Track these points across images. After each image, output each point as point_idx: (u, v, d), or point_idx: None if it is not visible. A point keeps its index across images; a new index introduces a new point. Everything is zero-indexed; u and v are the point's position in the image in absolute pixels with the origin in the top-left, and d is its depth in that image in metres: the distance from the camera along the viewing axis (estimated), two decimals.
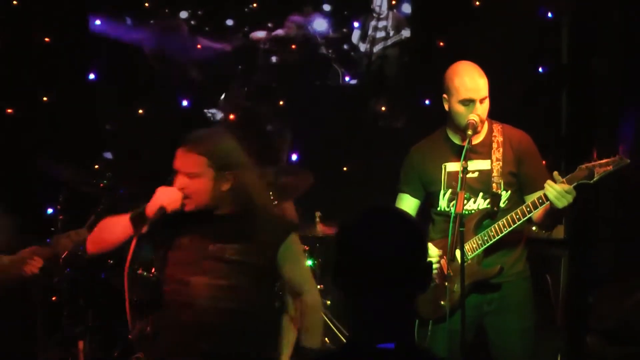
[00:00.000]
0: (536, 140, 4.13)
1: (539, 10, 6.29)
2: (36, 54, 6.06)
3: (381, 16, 6.78)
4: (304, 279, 3.55)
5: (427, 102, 6.62)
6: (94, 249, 3.57)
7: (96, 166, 6.00)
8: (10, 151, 5.84)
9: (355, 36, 6.82)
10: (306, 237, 5.16)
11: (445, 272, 3.88)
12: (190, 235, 3.45)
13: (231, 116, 6.61)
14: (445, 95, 3.98)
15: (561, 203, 3.70)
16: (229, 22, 6.71)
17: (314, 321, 3.56)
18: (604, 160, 3.73)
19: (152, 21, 6.52)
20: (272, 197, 5.05)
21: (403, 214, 2.14)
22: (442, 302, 3.88)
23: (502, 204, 3.96)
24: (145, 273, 4.80)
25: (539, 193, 3.84)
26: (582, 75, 6.12)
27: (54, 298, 4.95)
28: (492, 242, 3.90)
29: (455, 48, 6.24)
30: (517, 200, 4.01)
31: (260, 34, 6.68)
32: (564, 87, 6.30)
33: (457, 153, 3.94)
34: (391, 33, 6.77)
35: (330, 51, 6.81)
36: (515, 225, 3.86)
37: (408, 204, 4.13)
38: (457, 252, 3.71)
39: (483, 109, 3.92)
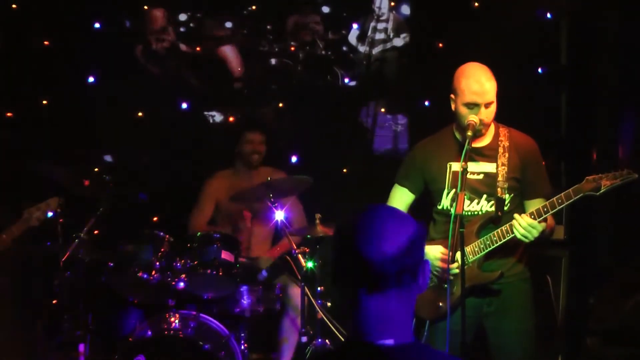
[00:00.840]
0: (536, 140, 4.13)
1: (538, 11, 6.29)
2: (35, 57, 6.07)
3: (382, 17, 6.78)
4: None
5: (426, 103, 6.62)
6: None
7: (96, 169, 6.01)
8: (9, 154, 5.85)
9: (354, 37, 6.81)
10: (306, 238, 5.16)
11: (446, 274, 3.87)
12: None
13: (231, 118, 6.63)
14: (452, 95, 3.97)
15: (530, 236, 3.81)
16: (228, 24, 6.70)
17: None
18: (612, 174, 3.74)
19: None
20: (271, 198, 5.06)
21: (399, 213, 2.14)
22: (441, 304, 3.89)
23: (504, 208, 3.97)
24: (145, 276, 4.79)
25: (540, 200, 3.93)
26: (582, 76, 6.13)
27: (54, 301, 4.94)
28: (494, 247, 3.91)
29: (454, 49, 6.24)
30: (518, 203, 4.02)
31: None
32: (564, 88, 6.30)
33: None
34: (391, 35, 6.77)
35: (329, 52, 6.81)
36: (512, 235, 3.87)
37: (403, 197, 4.14)
38: (458, 254, 3.71)
39: (488, 113, 3.92)
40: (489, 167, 3.99)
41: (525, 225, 3.79)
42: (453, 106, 3.98)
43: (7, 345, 5.24)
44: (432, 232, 4.12)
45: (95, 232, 5.22)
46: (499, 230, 3.89)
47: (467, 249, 3.90)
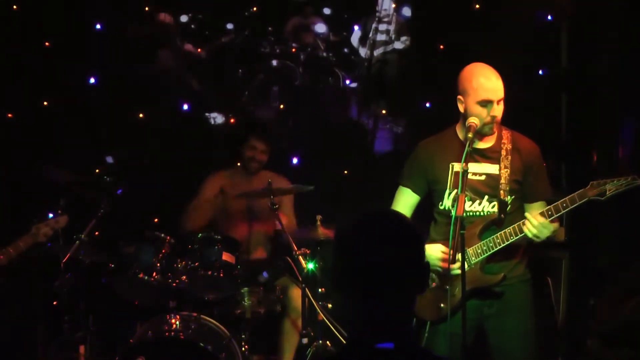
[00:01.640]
0: (536, 142, 4.14)
1: (538, 13, 6.30)
2: (36, 59, 6.07)
3: (385, 19, 6.78)
4: None
5: (427, 105, 6.63)
6: None
7: (97, 170, 6.01)
8: (10, 156, 5.85)
9: (356, 39, 6.82)
10: (307, 240, 5.15)
11: (447, 275, 3.87)
12: None
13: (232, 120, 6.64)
14: (460, 97, 3.96)
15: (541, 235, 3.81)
16: (229, 26, 6.71)
17: None
18: (616, 179, 3.74)
19: None
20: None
21: (400, 217, 2.14)
22: (442, 305, 3.88)
23: (506, 210, 3.97)
24: (146, 278, 4.79)
25: (541, 203, 3.95)
26: (582, 78, 6.13)
27: (54, 303, 4.94)
28: (497, 249, 3.90)
29: (455, 51, 6.25)
30: (519, 205, 4.02)
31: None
32: (564, 90, 6.31)
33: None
34: (393, 37, 6.78)
35: (330, 54, 6.81)
36: (520, 236, 3.87)
37: (408, 198, 4.13)
38: (459, 255, 3.71)
39: (499, 110, 3.93)
40: (492, 168, 3.99)
41: (537, 224, 3.78)
42: (462, 107, 3.96)
43: (7, 346, 5.24)
44: (432, 233, 4.11)
45: (96, 233, 5.22)
46: (502, 232, 3.89)
47: (470, 250, 3.90)
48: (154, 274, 4.79)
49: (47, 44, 6.16)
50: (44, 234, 4.58)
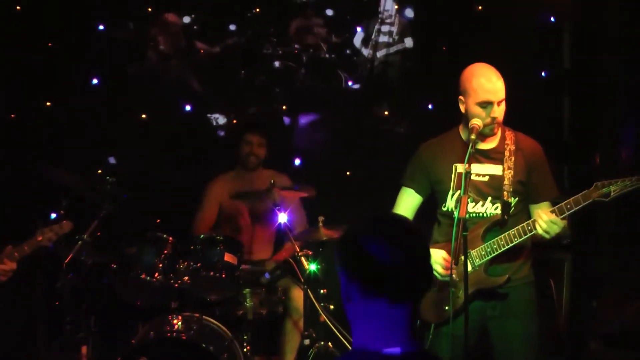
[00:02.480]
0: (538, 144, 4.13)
1: (541, 15, 6.30)
2: (38, 59, 6.07)
3: (387, 20, 6.78)
4: None
5: (430, 106, 6.63)
6: None
7: (99, 171, 6.01)
8: (13, 156, 5.85)
9: (359, 40, 6.82)
10: (309, 241, 5.15)
11: (450, 277, 3.86)
12: None
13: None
14: (461, 97, 3.96)
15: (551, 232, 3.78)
16: (232, 27, 6.71)
17: None
18: (621, 179, 3.73)
19: None
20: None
21: (408, 223, 2.16)
22: (446, 307, 3.87)
23: (510, 211, 3.96)
24: (148, 278, 4.79)
25: (546, 204, 3.95)
26: (584, 80, 6.13)
27: (56, 303, 4.94)
28: (501, 251, 3.89)
29: (457, 52, 6.25)
30: (523, 207, 4.01)
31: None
32: (567, 91, 6.31)
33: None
34: (396, 38, 6.78)
35: (333, 56, 6.81)
36: (527, 236, 3.86)
37: (411, 199, 4.13)
38: (462, 258, 3.70)
39: (500, 111, 3.92)
40: (495, 169, 3.99)
41: (547, 220, 3.75)
42: (463, 107, 3.96)
43: (9, 346, 5.24)
44: (436, 235, 4.11)
45: (98, 234, 5.22)
46: (506, 234, 3.88)
47: (473, 252, 3.89)
48: (156, 274, 4.79)
49: (49, 44, 6.16)
50: (48, 239, 4.58)
